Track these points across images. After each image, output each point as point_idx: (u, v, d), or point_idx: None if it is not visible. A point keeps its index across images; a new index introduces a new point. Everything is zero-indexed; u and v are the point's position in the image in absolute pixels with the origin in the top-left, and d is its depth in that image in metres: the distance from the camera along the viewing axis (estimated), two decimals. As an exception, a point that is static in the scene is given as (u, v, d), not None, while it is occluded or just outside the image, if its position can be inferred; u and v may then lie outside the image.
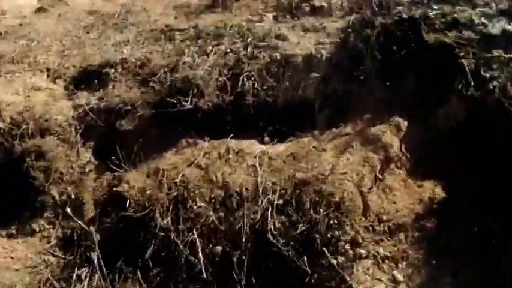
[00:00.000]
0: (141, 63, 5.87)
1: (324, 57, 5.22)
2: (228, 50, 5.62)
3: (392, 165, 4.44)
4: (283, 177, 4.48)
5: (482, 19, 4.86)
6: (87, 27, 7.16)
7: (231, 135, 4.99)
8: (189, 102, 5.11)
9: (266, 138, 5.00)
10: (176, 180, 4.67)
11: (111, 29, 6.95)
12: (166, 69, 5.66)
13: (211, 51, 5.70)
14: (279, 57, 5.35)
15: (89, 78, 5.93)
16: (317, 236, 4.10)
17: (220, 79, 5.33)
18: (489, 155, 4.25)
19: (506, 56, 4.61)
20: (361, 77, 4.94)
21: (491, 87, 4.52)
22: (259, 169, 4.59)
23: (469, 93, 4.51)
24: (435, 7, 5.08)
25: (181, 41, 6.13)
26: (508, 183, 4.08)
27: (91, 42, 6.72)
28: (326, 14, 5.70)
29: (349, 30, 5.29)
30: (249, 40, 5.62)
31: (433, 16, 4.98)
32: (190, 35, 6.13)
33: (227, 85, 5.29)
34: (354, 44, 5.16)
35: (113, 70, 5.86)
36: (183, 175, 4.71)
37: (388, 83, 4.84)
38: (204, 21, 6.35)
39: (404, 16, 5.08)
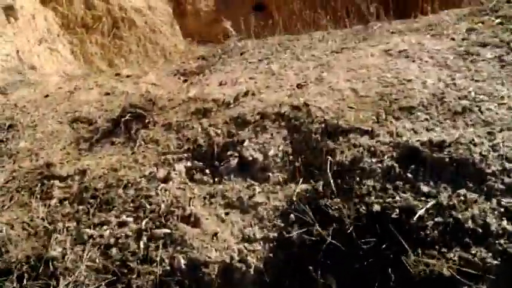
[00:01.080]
0: (-4, 249, 3.91)
1: (251, 270, 3.22)
2: (113, 240, 3.63)
3: None
4: None
5: None
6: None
7: None
8: None
9: None
10: None
11: (-17, 162, 4.97)
12: (24, 268, 3.72)
13: (90, 237, 3.71)
14: (183, 265, 3.35)
15: None
16: None
17: (93, 304, 3.35)
18: None
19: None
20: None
21: None
22: None
23: None
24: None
25: (60, 201, 4.14)
26: None
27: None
28: (260, 176, 3.62)
29: (292, 218, 3.23)
30: (144, 222, 3.61)
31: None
32: (72, 192, 4.15)
33: (103, 318, 3.31)
34: (300, 251, 3.13)
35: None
36: None
37: None
38: (97, 160, 4.35)
39: (376, 208, 3.02)
